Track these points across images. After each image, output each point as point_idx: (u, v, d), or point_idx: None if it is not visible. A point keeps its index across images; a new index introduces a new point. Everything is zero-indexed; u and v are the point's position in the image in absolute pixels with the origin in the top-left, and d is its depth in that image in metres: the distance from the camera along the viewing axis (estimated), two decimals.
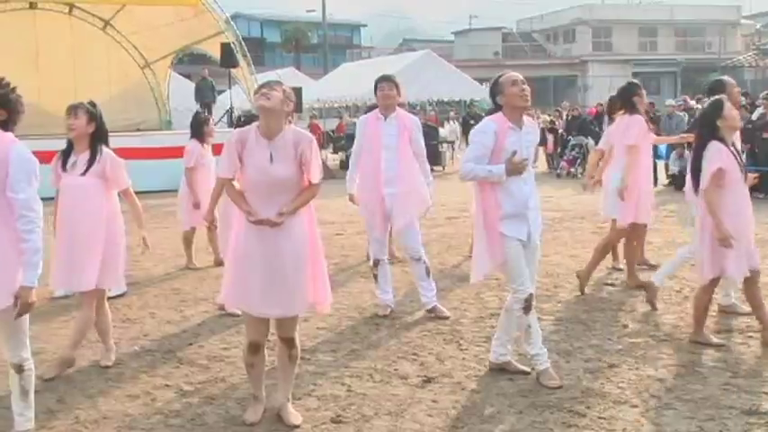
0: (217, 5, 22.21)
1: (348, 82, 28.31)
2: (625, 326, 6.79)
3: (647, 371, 5.61)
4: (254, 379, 4.97)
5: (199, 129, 9.58)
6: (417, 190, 7.13)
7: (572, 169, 21.76)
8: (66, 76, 24.16)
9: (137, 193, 6.02)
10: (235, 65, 22.56)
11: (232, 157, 4.64)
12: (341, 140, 28.48)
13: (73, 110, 5.82)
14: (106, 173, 5.84)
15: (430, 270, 7.29)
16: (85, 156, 5.83)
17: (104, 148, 5.90)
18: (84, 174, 5.78)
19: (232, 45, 22.29)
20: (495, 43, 63.23)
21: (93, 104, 5.90)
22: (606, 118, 13.73)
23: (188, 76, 31.82)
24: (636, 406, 4.99)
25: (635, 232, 8.26)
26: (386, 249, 7.48)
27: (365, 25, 79.39)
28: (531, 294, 5.32)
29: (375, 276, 7.37)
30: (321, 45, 56.39)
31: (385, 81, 7.16)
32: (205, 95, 24.21)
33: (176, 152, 20.39)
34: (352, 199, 7.50)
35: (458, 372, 5.65)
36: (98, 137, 5.88)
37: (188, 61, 30.77)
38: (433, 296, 7.22)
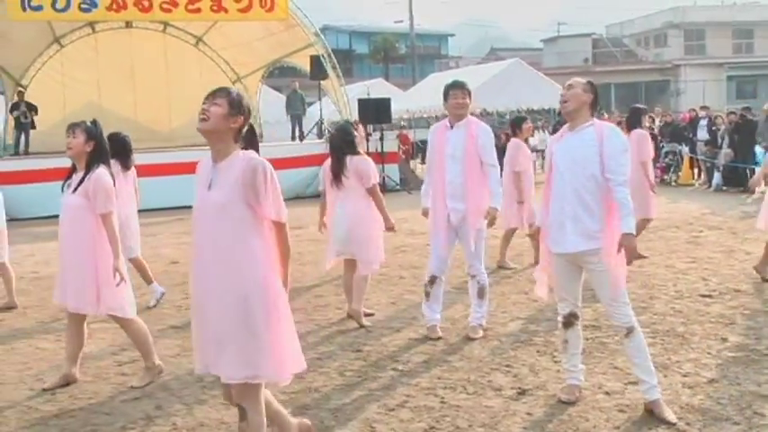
0: (306, 19, 22.51)
1: (437, 92, 28.04)
2: (724, 339, 6.58)
3: (748, 386, 5.41)
4: None
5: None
6: (485, 208, 6.77)
7: (665, 177, 21.26)
8: (161, 91, 24.91)
9: None
10: (324, 77, 22.82)
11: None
12: None
13: (71, 129, 5.86)
14: (89, 193, 5.74)
15: (485, 292, 7.00)
16: (80, 175, 5.85)
17: (99, 169, 5.82)
18: (73, 192, 5.80)
19: (321, 57, 22.55)
20: (584, 50, 62.28)
21: (94, 123, 5.94)
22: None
23: (278, 89, 32.35)
24: (738, 423, 4.81)
25: None
26: (445, 267, 7.08)
27: (453, 35, 79.36)
28: (570, 313, 5.26)
29: (427, 294, 7.03)
30: (409, 55, 56.64)
31: (458, 88, 6.84)
32: (295, 108, 24.55)
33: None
34: (425, 213, 7.13)
35: (552, 384, 5.56)
36: (96, 156, 5.85)
37: (278, 74, 31.25)
38: (478, 317, 6.98)
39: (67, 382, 6.01)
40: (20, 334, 7.73)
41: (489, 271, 9.56)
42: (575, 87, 5.05)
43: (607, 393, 5.36)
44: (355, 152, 7.39)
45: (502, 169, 8.63)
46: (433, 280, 7.00)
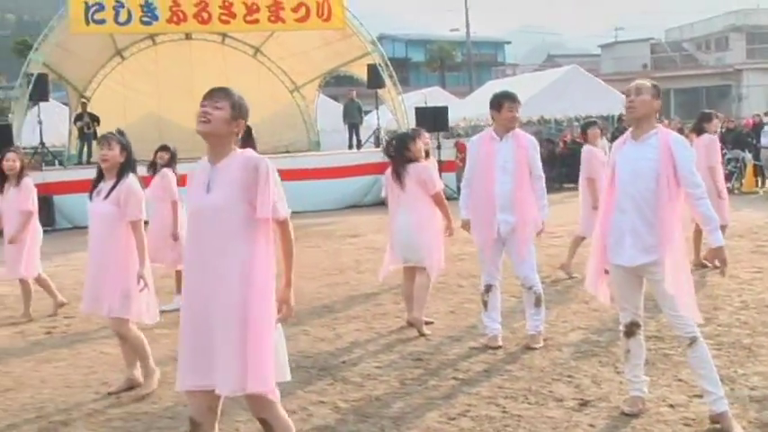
0: (363, 28, 22.62)
1: None
2: None
3: None
4: None
5: None
6: (533, 219, 6.77)
7: (728, 184, 20.85)
8: None
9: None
10: (381, 85, 22.90)
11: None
12: None
13: (106, 141, 5.98)
14: (120, 201, 5.88)
15: (541, 300, 6.95)
16: (110, 183, 5.97)
17: (129, 177, 5.98)
18: (105, 199, 5.93)
19: (378, 66, 22.63)
20: (643, 55, 61.49)
21: (121, 134, 6.10)
22: None
23: (335, 98, 32.55)
24: None
25: None
26: (498, 274, 7.05)
27: (509, 42, 79.07)
28: (631, 322, 5.14)
29: (485, 303, 7.01)
30: (466, 63, 56.54)
31: (512, 101, 6.73)
32: (352, 116, 24.68)
33: (326, 173, 21.06)
34: (466, 226, 7.05)
35: (615, 395, 5.48)
36: (127, 165, 6.00)
37: (335, 83, 31.44)
38: (536, 325, 6.90)
39: (131, 385, 6.12)
40: (85, 339, 7.89)
41: (550, 280, 9.54)
42: (643, 93, 4.87)
43: (671, 406, 5.26)
44: (413, 159, 7.40)
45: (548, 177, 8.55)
46: (488, 288, 6.98)
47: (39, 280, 9.16)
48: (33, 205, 8.95)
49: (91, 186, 6.11)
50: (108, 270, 5.93)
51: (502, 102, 6.74)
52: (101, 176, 6.08)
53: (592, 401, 5.40)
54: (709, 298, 8.27)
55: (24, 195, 8.84)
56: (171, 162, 9.13)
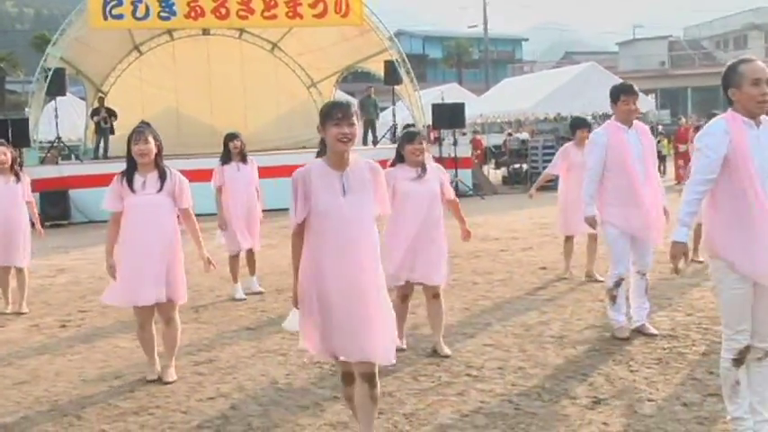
0: (381, 24, 22.60)
1: (510, 97, 28.16)
2: None
3: None
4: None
5: None
6: (663, 204, 6.81)
7: None
8: (237, 97, 25.30)
9: None
10: (398, 82, 22.89)
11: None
12: (503, 156, 28.33)
13: (141, 135, 6.00)
14: (175, 191, 6.08)
15: (648, 288, 7.06)
16: (154, 175, 6.03)
17: (173, 168, 6.19)
18: (159, 192, 6.01)
19: (395, 62, 22.61)
20: (661, 52, 61.24)
21: (149, 125, 6.25)
22: None
23: (352, 94, 32.56)
24: None
25: None
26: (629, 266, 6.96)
27: (526, 39, 78.91)
28: (746, 347, 4.36)
29: (613, 298, 6.88)
30: (483, 60, 56.49)
31: (630, 95, 6.70)
32: (368, 112, 24.65)
33: None
34: (591, 222, 6.96)
35: (629, 394, 5.45)
36: (161, 156, 6.12)
37: (352, 79, 31.46)
38: (644, 315, 6.96)
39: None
40: (100, 332, 7.93)
41: (564, 278, 9.50)
42: None
43: (685, 405, 5.22)
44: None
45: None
46: (619, 283, 6.90)
47: (19, 273, 9.18)
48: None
49: (125, 180, 6.05)
50: (175, 257, 6.13)
51: (619, 93, 6.77)
52: (133, 170, 6.07)
53: (605, 399, 5.37)
54: None
55: (27, 188, 9.10)
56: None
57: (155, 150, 6.02)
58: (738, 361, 4.36)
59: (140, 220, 6.01)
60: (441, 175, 6.61)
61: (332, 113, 4.14)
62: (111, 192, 6.07)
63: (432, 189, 6.42)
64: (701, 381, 5.58)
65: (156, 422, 5.31)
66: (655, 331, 6.89)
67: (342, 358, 4.40)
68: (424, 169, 6.45)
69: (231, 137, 9.29)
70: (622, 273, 6.86)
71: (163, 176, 6.05)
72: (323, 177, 4.22)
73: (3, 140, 9.34)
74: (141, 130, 6.08)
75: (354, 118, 4.18)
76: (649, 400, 5.32)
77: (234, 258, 9.34)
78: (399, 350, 5.99)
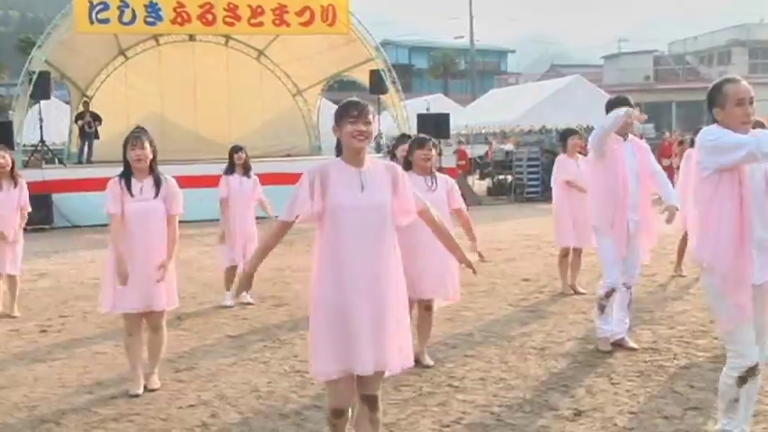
0: (367, 33, 22.64)
1: (496, 108, 28.26)
2: None
3: None
4: None
5: None
6: (654, 220, 6.83)
7: None
8: (222, 103, 25.26)
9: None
10: (384, 91, 22.91)
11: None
12: (488, 166, 28.40)
13: (138, 140, 5.98)
14: (168, 197, 6.06)
15: (632, 302, 7.07)
16: (149, 181, 6.02)
17: (165, 174, 6.16)
18: (155, 197, 6.00)
19: (381, 72, 22.64)
20: (646, 67, 61.57)
21: (144, 130, 6.22)
22: None
23: (337, 103, 32.39)
24: None
25: None
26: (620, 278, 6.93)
27: (513, 51, 79.21)
28: (757, 364, 4.29)
29: (602, 307, 6.87)
30: (469, 71, 56.63)
31: (627, 105, 6.63)
32: None
33: None
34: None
35: (609, 406, 5.47)
36: (155, 162, 6.10)
37: (338, 88, 31.45)
38: (625, 329, 6.97)
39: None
40: (81, 338, 7.88)
41: (548, 290, 9.52)
42: None
43: (666, 418, 5.24)
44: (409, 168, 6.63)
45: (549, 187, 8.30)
46: (610, 293, 6.88)
47: (10, 278, 9.10)
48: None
49: (121, 186, 5.99)
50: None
51: (617, 106, 6.66)
52: (128, 175, 6.03)
53: (586, 411, 5.38)
54: (706, 310, 8.23)
55: (24, 194, 8.98)
56: None
57: (150, 156, 6.00)
58: (743, 379, 4.29)
59: (138, 225, 5.99)
60: (448, 185, 6.57)
61: (348, 111, 4.11)
62: (112, 195, 5.99)
63: (441, 198, 6.30)
64: (682, 394, 5.60)
65: (136, 429, 5.28)
66: (635, 345, 6.91)
67: (357, 372, 4.18)
68: (434, 180, 6.44)
69: (236, 149, 9.38)
70: (615, 283, 6.85)
71: (158, 182, 6.03)
72: (341, 173, 4.17)
73: (2, 145, 9.27)
74: (138, 136, 6.07)
75: (371, 117, 4.13)
76: (630, 413, 5.34)
77: (230, 270, 9.18)
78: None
